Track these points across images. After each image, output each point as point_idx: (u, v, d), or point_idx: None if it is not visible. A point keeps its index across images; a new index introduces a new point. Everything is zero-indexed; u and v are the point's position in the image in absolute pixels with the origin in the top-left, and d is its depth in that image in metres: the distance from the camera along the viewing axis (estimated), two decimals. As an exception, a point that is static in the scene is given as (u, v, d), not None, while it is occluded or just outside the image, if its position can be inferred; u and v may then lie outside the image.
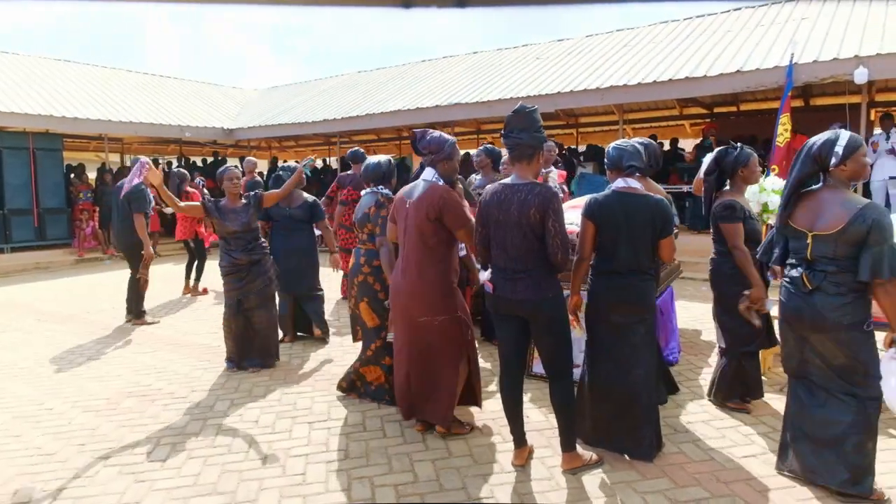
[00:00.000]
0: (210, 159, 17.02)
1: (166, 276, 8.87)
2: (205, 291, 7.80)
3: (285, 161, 16.20)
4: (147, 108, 13.89)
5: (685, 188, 9.26)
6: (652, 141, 3.90)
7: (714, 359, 4.23)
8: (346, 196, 6.37)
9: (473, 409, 3.64)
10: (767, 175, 4.62)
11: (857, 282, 2.56)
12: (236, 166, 5.48)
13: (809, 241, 2.67)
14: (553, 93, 9.76)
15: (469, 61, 14.07)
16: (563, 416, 2.95)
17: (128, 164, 14.28)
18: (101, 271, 10.15)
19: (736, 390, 3.64)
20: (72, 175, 12.40)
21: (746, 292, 3.33)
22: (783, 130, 7.42)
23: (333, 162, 16.82)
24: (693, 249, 7.73)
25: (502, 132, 2.95)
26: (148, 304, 6.44)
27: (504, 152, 4.46)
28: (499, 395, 3.13)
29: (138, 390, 4.27)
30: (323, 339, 5.38)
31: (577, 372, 3.25)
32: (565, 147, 13.10)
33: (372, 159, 3.97)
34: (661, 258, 3.09)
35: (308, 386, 4.27)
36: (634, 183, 3.06)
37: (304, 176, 4.87)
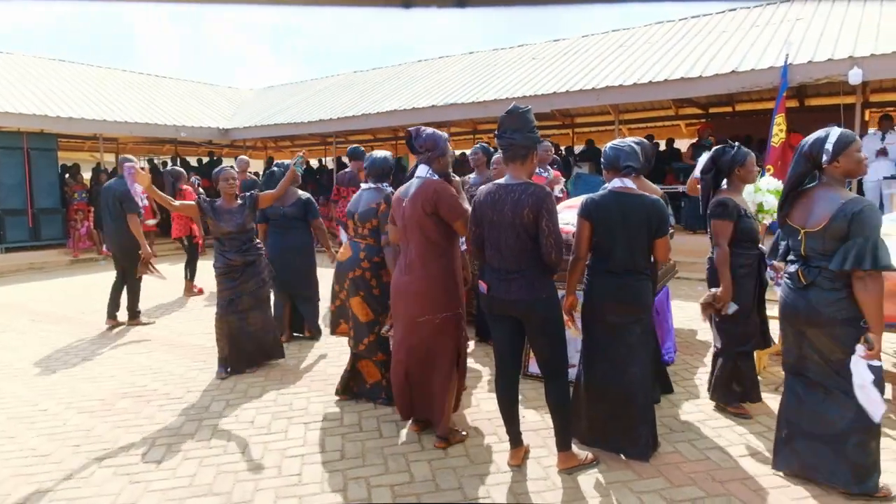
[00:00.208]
0: (206, 159, 16.98)
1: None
2: (200, 291, 7.78)
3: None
4: (142, 107, 13.84)
5: (681, 188, 9.27)
6: (644, 140, 3.90)
7: (710, 359, 4.24)
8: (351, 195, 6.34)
9: (469, 409, 3.63)
10: (763, 175, 4.64)
11: (850, 276, 2.56)
12: (232, 166, 5.46)
13: (802, 237, 2.70)
14: (549, 93, 9.77)
15: (465, 61, 14.07)
16: (558, 416, 2.95)
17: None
18: (95, 272, 10.11)
19: (733, 392, 3.63)
20: (66, 175, 12.36)
21: (713, 290, 3.37)
22: (778, 131, 7.46)
23: (329, 162, 16.79)
24: (689, 249, 7.76)
25: (496, 132, 2.96)
26: (143, 305, 6.43)
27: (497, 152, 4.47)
28: (495, 396, 3.13)
29: (133, 391, 4.26)
30: (314, 339, 5.42)
31: (572, 372, 3.26)
32: (562, 147, 13.11)
33: (377, 153, 3.96)
34: (656, 258, 3.10)
35: (304, 386, 4.26)
36: (630, 183, 3.07)
37: (297, 174, 4.86)
